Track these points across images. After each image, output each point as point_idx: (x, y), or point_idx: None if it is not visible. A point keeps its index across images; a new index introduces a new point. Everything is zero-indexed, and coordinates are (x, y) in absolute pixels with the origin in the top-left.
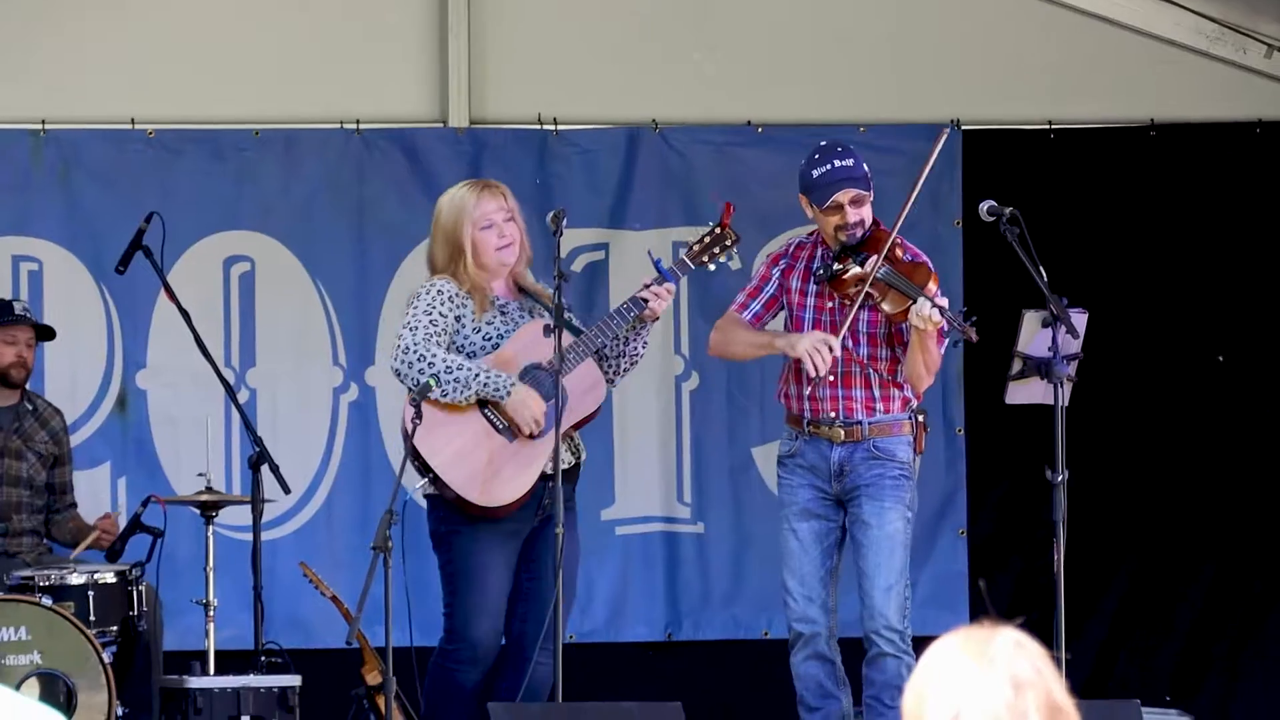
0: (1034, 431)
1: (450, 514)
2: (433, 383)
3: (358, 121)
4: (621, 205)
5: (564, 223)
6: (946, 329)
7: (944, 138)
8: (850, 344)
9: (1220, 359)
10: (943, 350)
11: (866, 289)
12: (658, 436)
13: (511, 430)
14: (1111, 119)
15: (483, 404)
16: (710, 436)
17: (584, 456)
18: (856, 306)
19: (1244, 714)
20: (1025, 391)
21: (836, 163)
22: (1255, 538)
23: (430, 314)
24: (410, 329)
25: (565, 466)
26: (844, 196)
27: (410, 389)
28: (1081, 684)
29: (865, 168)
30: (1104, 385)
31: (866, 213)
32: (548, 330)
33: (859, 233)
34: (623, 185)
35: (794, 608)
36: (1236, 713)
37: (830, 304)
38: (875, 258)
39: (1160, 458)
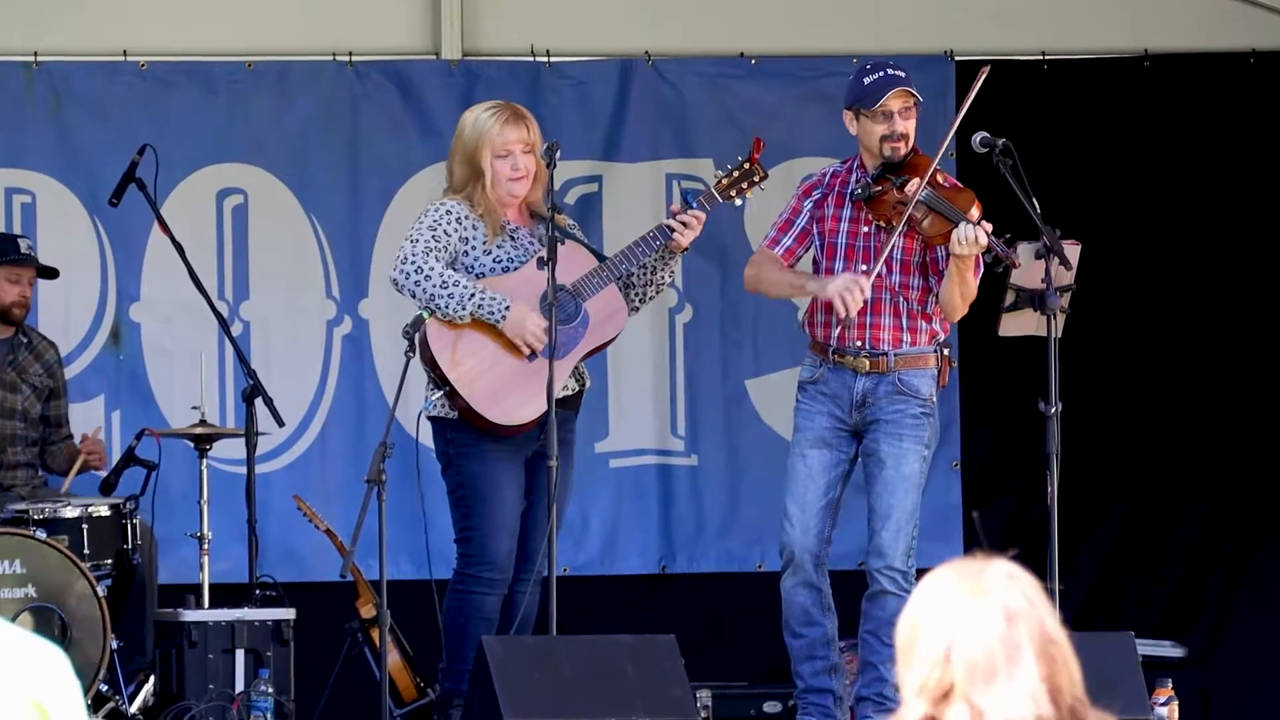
0: (1028, 364)
1: (458, 434)
2: (427, 315)
3: (350, 54)
4: (615, 137)
5: (558, 155)
6: (989, 255)
7: (984, 74)
8: (883, 271)
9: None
10: (978, 279)
11: (910, 211)
12: (651, 369)
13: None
14: (1105, 49)
15: None
16: (704, 369)
17: (588, 384)
18: (898, 233)
19: (1236, 645)
20: (1018, 323)
21: (889, 71)
22: (1249, 470)
23: (435, 230)
24: (411, 240)
25: (570, 393)
26: (895, 102)
27: (417, 306)
28: (1074, 616)
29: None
30: (1097, 317)
31: (912, 127)
32: (541, 264)
33: (903, 149)
34: (616, 118)
35: (789, 532)
36: (1229, 644)
37: (866, 229)
38: (918, 181)
39: (1154, 390)
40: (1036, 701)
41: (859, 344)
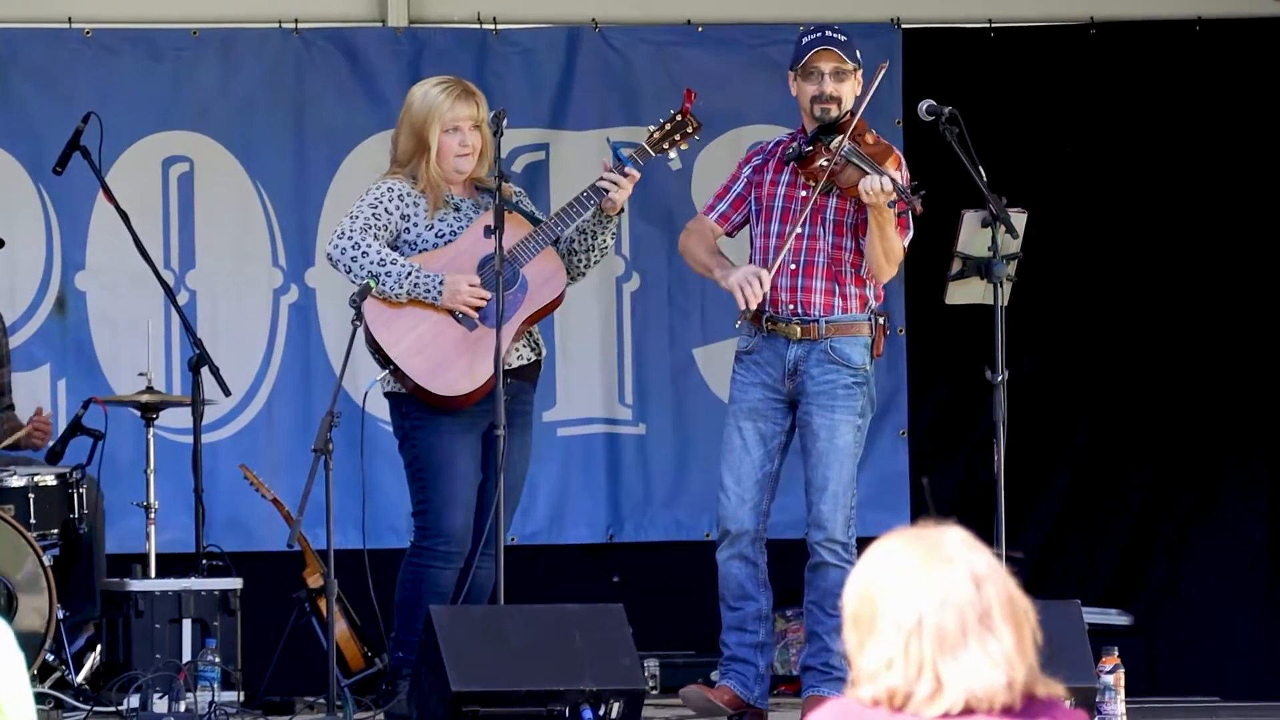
0: (974, 332)
1: (412, 409)
2: (372, 284)
3: (296, 21)
4: (561, 105)
5: (504, 123)
6: (894, 203)
7: (882, 70)
8: (818, 232)
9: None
10: (905, 238)
11: (831, 166)
12: (599, 338)
13: (471, 320)
14: (1052, 17)
15: None
16: (651, 338)
17: (544, 353)
18: (819, 188)
19: (1182, 613)
20: (965, 291)
21: (828, 33)
22: (1193, 438)
23: (375, 208)
24: (351, 217)
25: (525, 363)
26: (823, 63)
27: (352, 282)
28: (1022, 584)
29: (858, 53)
30: (1043, 285)
31: (846, 91)
32: (488, 231)
33: (834, 110)
34: (563, 85)
35: (725, 505)
36: (1174, 612)
37: (803, 193)
38: (842, 137)
39: (1100, 358)
40: (1010, 665)
41: (791, 308)
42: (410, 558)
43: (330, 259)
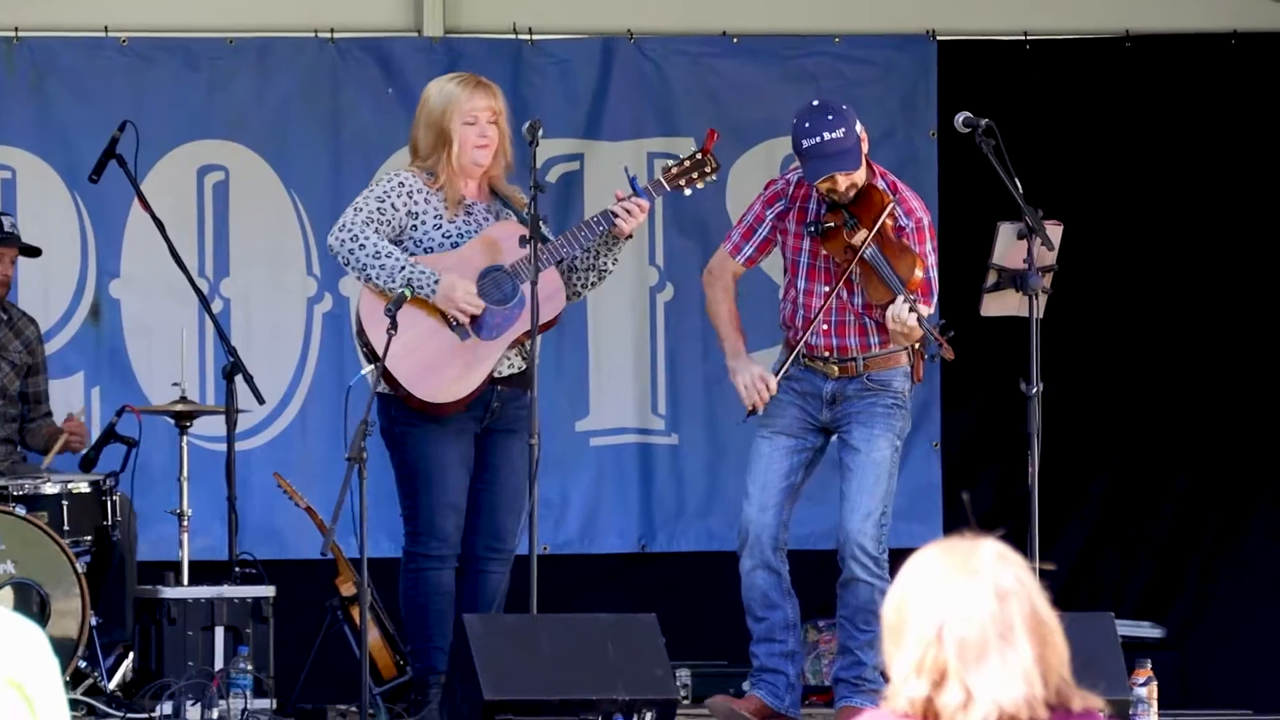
0: (1009, 344)
1: (400, 411)
2: (408, 293)
3: (332, 30)
4: (596, 116)
5: (540, 133)
6: (920, 341)
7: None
8: (845, 293)
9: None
10: (923, 359)
11: (853, 263)
12: (632, 348)
13: (465, 329)
14: (1087, 30)
15: None
16: (685, 348)
17: (537, 362)
18: (842, 278)
19: (1215, 626)
20: (1000, 304)
21: (826, 135)
22: (1228, 450)
23: (382, 202)
24: (355, 209)
25: (515, 371)
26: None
27: (352, 274)
28: (1056, 596)
29: (858, 130)
30: (1078, 298)
31: (859, 175)
32: (523, 240)
33: (851, 193)
34: (598, 96)
35: (747, 510)
36: (1207, 625)
37: (825, 251)
38: (865, 234)
39: (1134, 370)
40: (1029, 681)
41: (827, 354)
42: (407, 565)
43: (330, 249)
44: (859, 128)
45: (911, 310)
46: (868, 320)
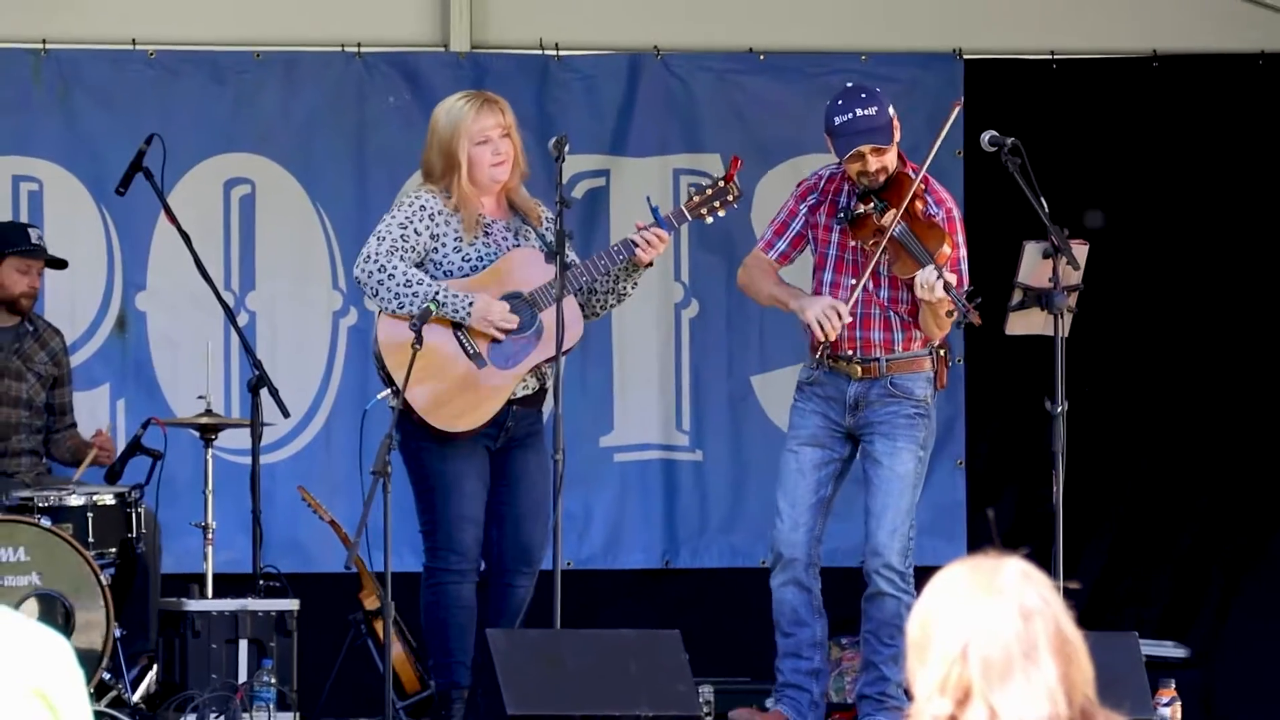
0: (1033, 362)
1: (417, 429)
2: (433, 307)
3: (359, 45)
4: (622, 132)
5: (566, 149)
6: (950, 313)
7: (956, 110)
8: (871, 285)
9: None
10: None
11: (883, 244)
12: (657, 364)
13: (481, 357)
14: (1114, 49)
15: (456, 326)
16: (709, 364)
17: (549, 384)
18: (874, 261)
19: (1239, 646)
20: (1025, 322)
21: (859, 111)
22: (1252, 469)
23: (405, 228)
24: (379, 238)
25: (530, 392)
26: (865, 149)
27: (380, 305)
28: (1079, 615)
29: (890, 112)
30: (1104, 317)
31: (890, 159)
32: (548, 259)
33: (881, 178)
34: (624, 112)
35: (780, 529)
36: (1231, 644)
37: (854, 243)
38: (894, 212)
39: (1159, 389)
40: (1054, 700)
41: (850, 352)
42: (428, 581)
43: (357, 281)
44: (891, 110)
45: (940, 277)
46: (893, 314)
